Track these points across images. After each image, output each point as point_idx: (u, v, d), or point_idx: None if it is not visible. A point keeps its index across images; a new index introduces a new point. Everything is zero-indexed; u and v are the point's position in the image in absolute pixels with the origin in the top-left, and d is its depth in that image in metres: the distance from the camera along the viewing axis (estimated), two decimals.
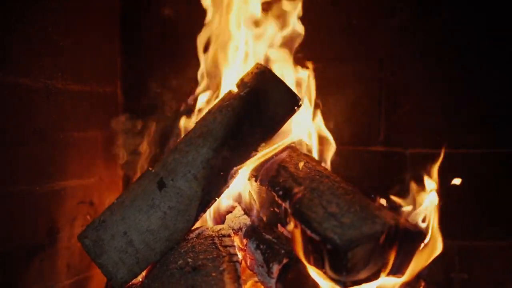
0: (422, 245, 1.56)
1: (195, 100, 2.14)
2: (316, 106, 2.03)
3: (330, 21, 2.22)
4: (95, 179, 2.22)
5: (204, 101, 2.10)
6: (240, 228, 1.80)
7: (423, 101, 2.18)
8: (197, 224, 1.76)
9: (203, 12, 2.09)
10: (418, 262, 1.57)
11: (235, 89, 1.76)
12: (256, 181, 1.81)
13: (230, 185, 1.74)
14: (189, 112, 2.18)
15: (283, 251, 1.64)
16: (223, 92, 1.94)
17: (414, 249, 1.54)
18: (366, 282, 1.51)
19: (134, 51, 2.43)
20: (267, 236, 1.71)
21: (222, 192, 1.73)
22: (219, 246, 1.61)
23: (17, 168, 1.77)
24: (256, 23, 2.04)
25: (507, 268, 2.09)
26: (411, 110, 2.19)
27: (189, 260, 1.55)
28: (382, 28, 2.22)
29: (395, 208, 1.66)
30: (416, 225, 1.55)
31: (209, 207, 1.71)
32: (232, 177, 1.71)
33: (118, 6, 2.40)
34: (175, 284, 1.47)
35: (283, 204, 1.64)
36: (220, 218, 1.91)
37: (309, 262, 1.55)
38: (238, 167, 1.71)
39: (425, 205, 1.66)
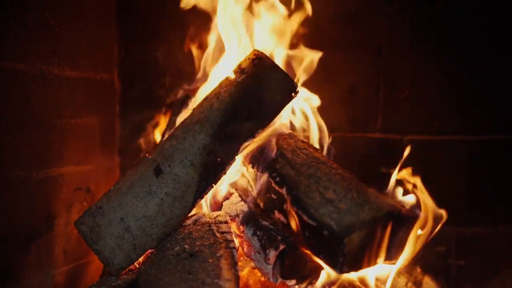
0: (419, 230, 1.56)
1: (193, 87, 2.13)
2: (314, 93, 2.03)
3: (328, 8, 2.21)
4: (92, 166, 2.21)
5: (202, 88, 2.09)
6: (237, 215, 1.79)
7: (421, 88, 2.18)
8: (194, 211, 1.76)
9: None
10: (413, 248, 1.57)
11: (232, 76, 1.75)
12: (253, 167, 1.81)
13: (227, 172, 1.74)
14: (186, 99, 2.17)
15: (280, 238, 1.63)
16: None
17: (408, 234, 1.54)
18: (362, 268, 1.51)
19: (131, 37, 2.42)
20: (264, 223, 1.70)
21: (219, 179, 1.72)
22: (216, 233, 1.61)
23: (13, 154, 1.77)
24: (256, 10, 2.03)
25: (503, 254, 2.09)
26: (409, 97, 2.19)
27: (186, 246, 1.55)
28: (381, 15, 2.21)
29: (391, 194, 1.66)
30: (411, 211, 1.55)
31: (206, 193, 1.70)
32: (229, 163, 1.71)
33: None
34: (172, 270, 1.47)
35: (280, 191, 1.64)
36: (217, 205, 1.92)
37: (306, 248, 1.55)
38: (235, 153, 1.71)
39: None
